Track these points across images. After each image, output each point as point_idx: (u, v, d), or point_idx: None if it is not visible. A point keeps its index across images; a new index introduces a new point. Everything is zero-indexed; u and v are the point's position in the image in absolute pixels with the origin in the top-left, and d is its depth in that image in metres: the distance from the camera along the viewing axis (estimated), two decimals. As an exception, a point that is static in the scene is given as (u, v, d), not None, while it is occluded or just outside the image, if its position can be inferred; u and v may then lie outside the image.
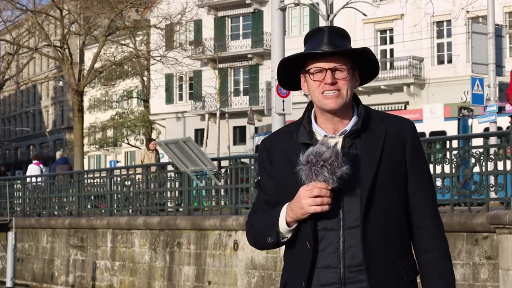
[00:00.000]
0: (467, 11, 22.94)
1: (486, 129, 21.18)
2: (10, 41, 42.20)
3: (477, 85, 19.28)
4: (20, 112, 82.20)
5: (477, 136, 13.21)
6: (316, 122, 3.06)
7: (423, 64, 39.99)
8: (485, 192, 10.60)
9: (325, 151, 2.88)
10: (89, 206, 19.98)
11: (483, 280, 10.11)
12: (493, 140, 13.55)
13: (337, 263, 2.92)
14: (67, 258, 19.35)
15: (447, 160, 10.96)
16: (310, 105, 3.10)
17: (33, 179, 22.57)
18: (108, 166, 54.93)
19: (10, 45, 44.29)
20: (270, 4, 17.08)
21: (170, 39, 41.06)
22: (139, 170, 18.05)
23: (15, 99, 77.53)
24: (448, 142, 11.29)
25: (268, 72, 26.67)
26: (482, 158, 10.56)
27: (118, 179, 18.58)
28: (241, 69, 47.74)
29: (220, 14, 47.26)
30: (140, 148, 47.30)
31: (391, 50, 41.38)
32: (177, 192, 16.64)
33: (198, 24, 47.31)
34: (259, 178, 3.15)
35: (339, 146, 2.97)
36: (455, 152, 11.02)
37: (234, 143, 45.42)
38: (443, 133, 21.40)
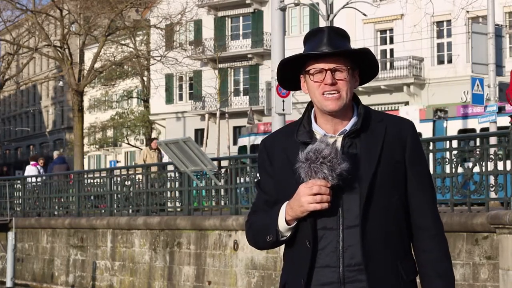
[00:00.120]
0: (467, 11, 22.95)
1: (461, 131, 21.65)
2: (10, 41, 42.21)
3: (477, 85, 19.29)
4: (20, 112, 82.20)
5: (477, 136, 13.23)
6: (316, 122, 3.06)
7: (423, 64, 39.98)
8: (485, 192, 10.60)
9: (325, 148, 2.89)
10: (89, 206, 19.98)
11: (483, 280, 10.11)
12: (493, 140, 13.56)
13: (337, 262, 2.92)
14: (67, 258, 19.35)
15: (447, 160, 10.97)
16: (310, 105, 3.11)
17: (33, 179, 22.57)
18: (108, 166, 54.91)
19: (10, 45, 44.30)
20: (270, 4, 17.08)
21: (170, 39, 41.05)
22: (139, 170, 18.06)
23: (15, 99, 77.52)
24: (448, 142, 11.29)
25: (268, 72, 26.67)
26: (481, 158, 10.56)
27: (118, 179, 18.59)
28: (241, 69, 47.73)
29: (220, 14, 47.25)
30: (141, 148, 47.37)
31: (391, 50, 41.37)
32: (177, 192, 16.64)
33: (198, 24, 47.31)
34: (259, 178, 3.15)
35: (338, 145, 2.97)
36: (455, 152, 11.03)
37: (234, 143, 45.34)
38: (419, 135, 21.58)
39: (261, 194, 3.13)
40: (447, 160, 10.95)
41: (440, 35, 39.64)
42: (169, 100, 50.31)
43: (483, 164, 10.53)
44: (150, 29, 41.97)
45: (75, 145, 36.81)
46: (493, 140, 13.55)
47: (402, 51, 39.82)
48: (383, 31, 41.60)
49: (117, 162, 58.34)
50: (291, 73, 3.11)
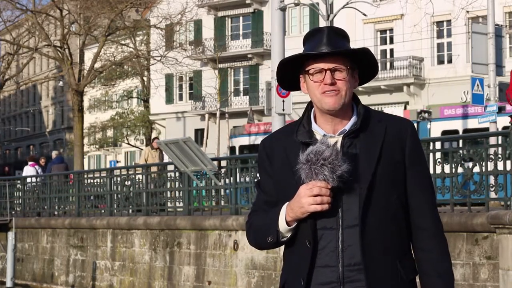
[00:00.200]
0: (467, 11, 22.96)
1: (444, 132, 21.85)
2: (10, 41, 42.20)
3: (477, 85, 19.30)
4: (20, 112, 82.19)
5: (477, 136, 13.22)
6: (315, 122, 3.06)
7: (423, 64, 39.97)
8: (485, 192, 10.60)
9: (325, 150, 2.89)
10: (89, 206, 19.98)
11: (483, 280, 10.11)
12: (493, 140, 13.55)
13: (336, 262, 2.92)
14: (67, 258, 19.35)
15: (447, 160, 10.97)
16: (310, 105, 3.11)
17: (33, 179, 22.57)
18: (108, 166, 54.91)
19: (10, 45, 44.30)
20: (270, 4, 17.08)
21: (170, 39, 41.03)
22: (139, 170, 18.06)
23: (15, 99, 77.56)
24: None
25: (268, 72, 26.67)
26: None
27: (118, 179, 18.59)
28: (241, 69, 47.73)
29: (220, 14, 47.25)
30: (141, 148, 47.37)
31: (391, 50, 41.37)
32: (177, 192, 16.64)
33: (198, 24, 47.31)
34: (259, 178, 3.16)
35: (338, 145, 2.97)
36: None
37: (234, 143, 45.38)
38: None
39: (261, 194, 3.13)
40: (449, 160, 10.95)
41: (440, 35, 39.65)
42: (169, 100, 50.31)
43: (483, 164, 10.53)
44: (150, 29, 41.96)
45: (75, 145, 36.80)
46: (493, 140, 13.55)
47: (402, 51, 39.82)
48: (383, 31, 41.60)
49: (117, 162, 58.36)
50: (291, 73, 3.11)
